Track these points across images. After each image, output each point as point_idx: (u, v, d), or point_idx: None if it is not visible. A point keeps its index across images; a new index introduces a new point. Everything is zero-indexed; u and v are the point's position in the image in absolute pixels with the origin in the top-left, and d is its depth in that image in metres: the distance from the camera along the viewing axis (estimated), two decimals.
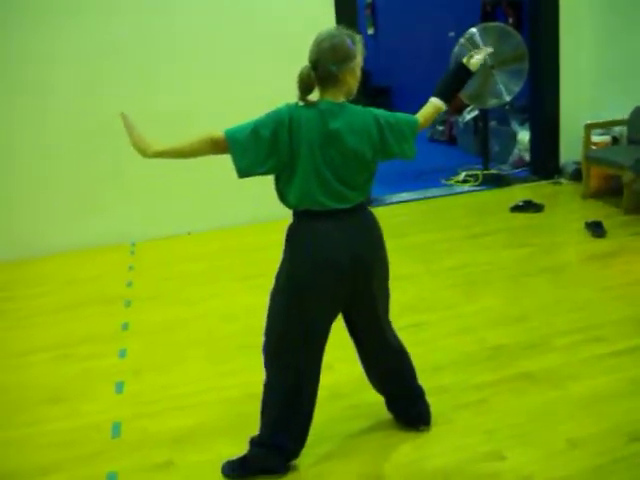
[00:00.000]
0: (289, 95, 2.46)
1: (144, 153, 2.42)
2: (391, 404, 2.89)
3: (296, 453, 2.63)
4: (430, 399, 3.00)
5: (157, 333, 3.98)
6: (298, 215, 2.46)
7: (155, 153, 2.41)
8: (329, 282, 2.45)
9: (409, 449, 2.71)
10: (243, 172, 2.37)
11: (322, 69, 2.37)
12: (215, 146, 2.37)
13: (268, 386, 2.58)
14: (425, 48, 9.93)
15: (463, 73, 2.80)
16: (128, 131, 2.42)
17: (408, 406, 2.86)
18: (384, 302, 2.72)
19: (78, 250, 5.57)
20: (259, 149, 2.34)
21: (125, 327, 4.10)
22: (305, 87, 2.38)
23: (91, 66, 5.45)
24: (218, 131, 2.37)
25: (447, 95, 2.74)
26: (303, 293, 2.45)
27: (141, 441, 2.90)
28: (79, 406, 3.25)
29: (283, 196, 2.45)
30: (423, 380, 3.16)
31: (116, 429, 3.02)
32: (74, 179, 5.60)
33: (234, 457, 2.65)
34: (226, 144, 2.35)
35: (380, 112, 2.49)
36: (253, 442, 2.62)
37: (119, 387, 3.39)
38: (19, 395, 3.43)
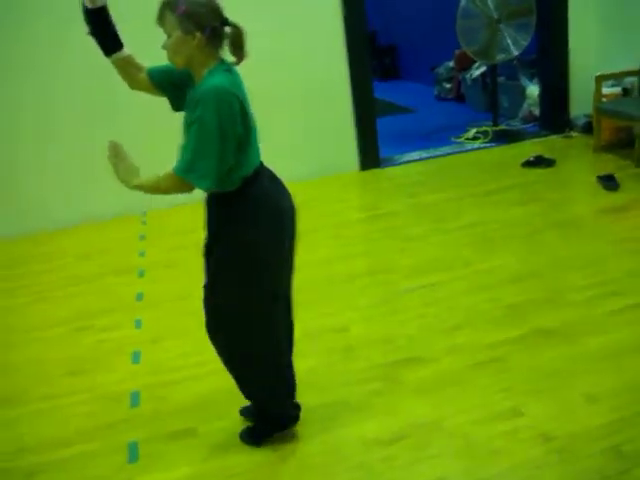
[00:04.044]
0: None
1: (127, 184, 2.25)
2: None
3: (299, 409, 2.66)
4: (445, 359, 3.03)
5: (172, 302, 3.99)
6: (242, 182, 2.28)
7: (135, 187, 2.25)
8: (292, 234, 2.43)
9: (427, 410, 2.71)
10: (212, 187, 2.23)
11: (231, 26, 2.20)
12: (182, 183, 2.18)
13: (246, 364, 2.51)
14: (430, 3, 9.75)
15: (95, 17, 2.30)
16: (117, 161, 2.24)
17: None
18: None
19: (89, 222, 5.58)
20: (225, 157, 2.17)
21: (140, 297, 4.11)
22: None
23: None
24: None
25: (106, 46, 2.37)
26: (273, 253, 2.35)
27: (160, 410, 2.93)
28: (97, 377, 3.28)
29: (236, 172, 2.25)
30: (438, 340, 3.19)
31: (135, 398, 3.05)
32: (80, 151, 5.54)
33: (251, 424, 2.68)
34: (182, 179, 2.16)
35: None
36: (255, 417, 2.65)
37: (136, 357, 3.41)
38: (38, 369, 3.46)
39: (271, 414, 2.63)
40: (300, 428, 2.68)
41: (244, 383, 2.58)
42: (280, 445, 2.61)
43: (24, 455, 2.77)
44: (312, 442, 2.61)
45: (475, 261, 4.01)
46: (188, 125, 2.17)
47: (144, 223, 5.51)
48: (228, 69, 2.23)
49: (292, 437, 2.64)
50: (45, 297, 4.34)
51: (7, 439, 2.90)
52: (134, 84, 2.43)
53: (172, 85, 2.39)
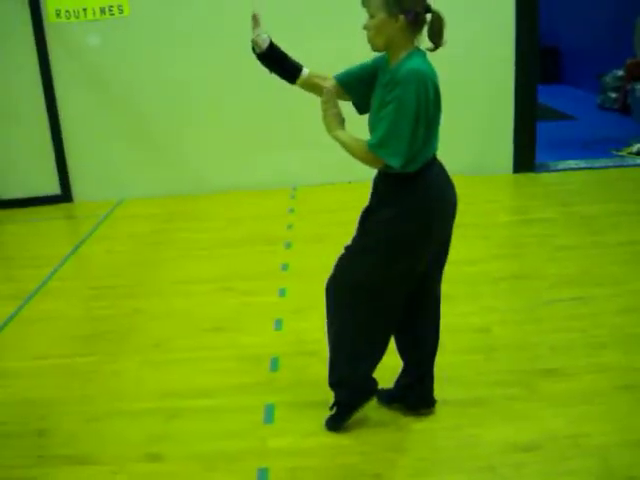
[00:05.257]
0: None
1: (328, 130, 2.38)
2: (409, 376, 2.73)
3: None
4: (588, 376, 2.94)
5: (316, 276, 4.02)
6: (422, 165, 2.35)
7: (334, 135, 2.37)
8: (449, 225, 2.47)
9: (564, 423, 2.64)
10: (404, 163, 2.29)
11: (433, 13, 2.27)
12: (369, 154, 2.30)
13: (358, 330, 2.53)
14: (603, 6, 9.32)
15: (267, 58, 2.47)
16: (328, 106, 2.36)
17: (424, 381, 2.71)
18: None
19: (243, 190, 5.82)
20: (416, 138, 2.25)
21: (285, 268, 4.25)
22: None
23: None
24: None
25: (288, 77, 2.52)
26: (422, 243, 2.40)
27: (298, 378, 3.03)
28: (239, 338, 3.44)
29: (421, 154, 2.32)
30: (582, 356, 3.10)
31: (274, 364, 3.17)
32: (245, 122, 5.79)
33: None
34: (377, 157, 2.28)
35: None
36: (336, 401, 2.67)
37: (278, 324, 3.54)
38: (184, 321, 3.67)
39: (347, 385, 2.63)
40: (434, 419, 2.70)
41: (337, 345, 2.59)
42: (412, 432, 2.64)
43: (168, 398, 2.96)
44: (444, 435, 2.62)
45: (629, 280, 3.84)
46: (382, 104, 2.26)
47: (293, 197, 5.67)
48: (424, 55, 2.29)
49: (425, 427, 2.66)
50: (195, 254, 4.60)
51: (154, 381, 3.11)
52: None
53: (361, 84, 2.46)
